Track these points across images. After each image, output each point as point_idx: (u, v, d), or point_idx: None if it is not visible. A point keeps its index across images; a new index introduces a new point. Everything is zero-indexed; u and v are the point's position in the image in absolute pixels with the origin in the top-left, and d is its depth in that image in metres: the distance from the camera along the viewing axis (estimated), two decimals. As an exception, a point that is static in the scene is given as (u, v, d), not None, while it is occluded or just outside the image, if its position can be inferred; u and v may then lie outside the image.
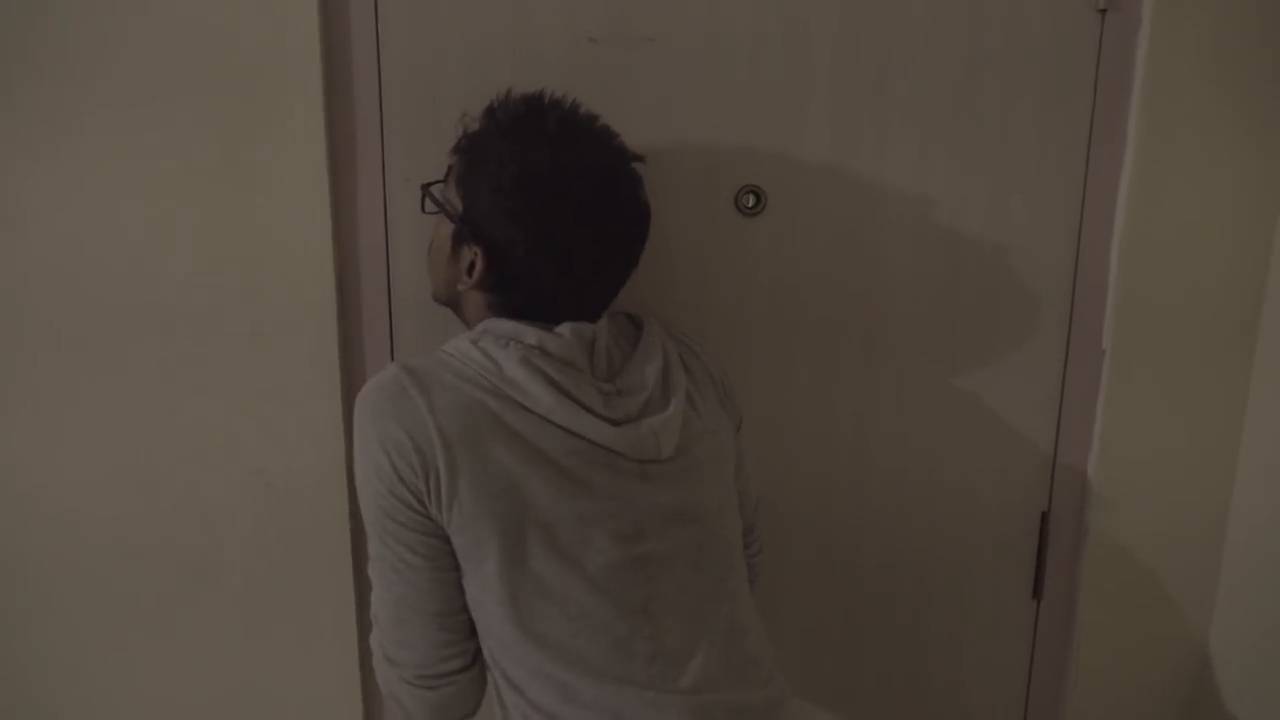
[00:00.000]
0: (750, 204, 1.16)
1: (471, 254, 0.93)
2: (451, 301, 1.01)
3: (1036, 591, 1.28)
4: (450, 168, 0.98)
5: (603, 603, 0.88)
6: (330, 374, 1.16)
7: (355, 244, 1.15)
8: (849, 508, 1.25)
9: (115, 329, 1.15)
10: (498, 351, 0.90)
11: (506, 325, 0.92)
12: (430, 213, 1.01)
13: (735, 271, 1.18)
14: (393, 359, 1.18)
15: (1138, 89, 1.14)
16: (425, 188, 1.00)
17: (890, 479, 1.24)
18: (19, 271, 1.13)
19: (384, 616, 0.91)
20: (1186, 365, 1.23)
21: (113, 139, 1.10)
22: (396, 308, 1.16)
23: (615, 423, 0.91)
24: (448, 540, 0.89)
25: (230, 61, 1.09)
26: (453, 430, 0.86)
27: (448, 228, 0.96)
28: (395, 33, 1.10)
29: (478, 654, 0.93)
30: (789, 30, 1.12)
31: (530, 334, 0.91)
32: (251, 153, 1.11)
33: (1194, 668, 1.32)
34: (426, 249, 1.05)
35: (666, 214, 1.16)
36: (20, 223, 1.12)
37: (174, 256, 1.13)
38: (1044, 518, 1.26)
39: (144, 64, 1.08)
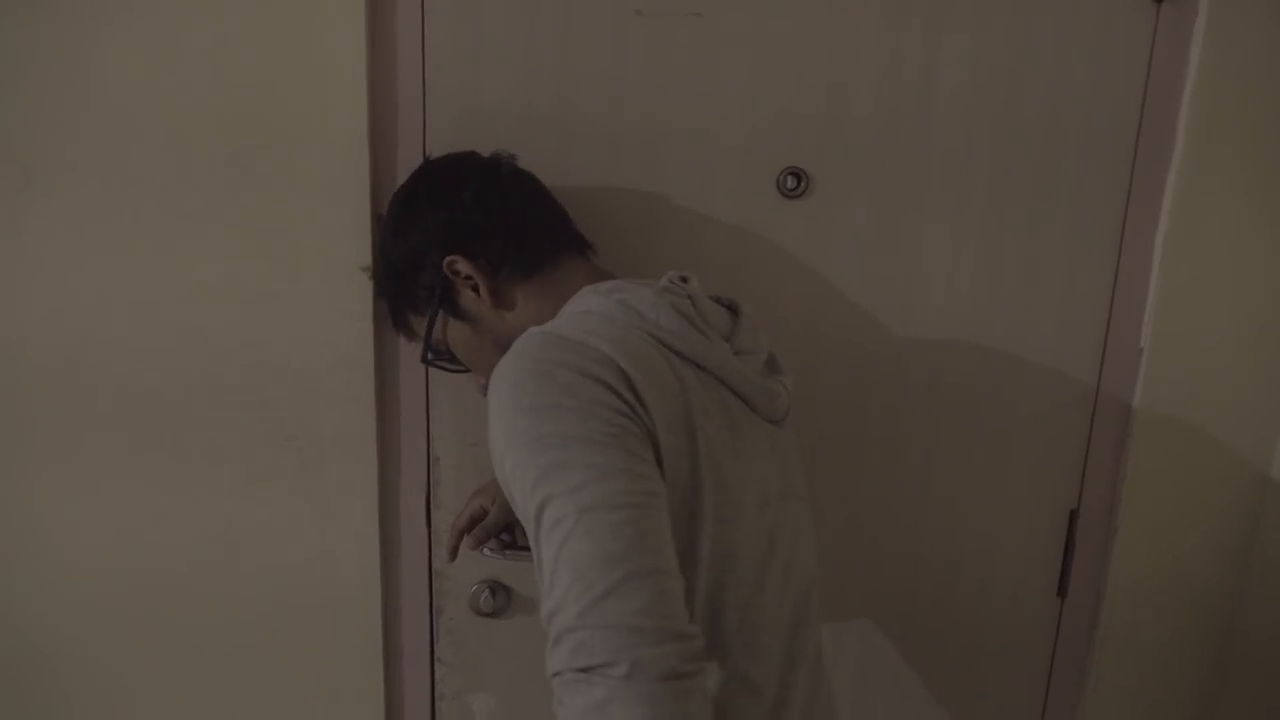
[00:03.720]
0: (792, 186, 1.14)
1: (469, 284, 0.91)
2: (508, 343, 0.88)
3: (1062, 589, 1.27)
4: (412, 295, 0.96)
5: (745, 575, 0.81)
6: (364, 340, 1.16)
7: (394, 171, 1.13)
8: (877, 497, 1.24)
9: (151, 245, 1.15)
10: (635, 300, 0.81)
11: (601, 288, 0.85)
12: (434, 342, 0.96)
13: (772, 255, 1.17)
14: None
15: None
16: (425, 349, 0.97)
17: (919, 470, 1.23)
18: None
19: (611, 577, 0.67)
20: (1224, 367, 1.20)
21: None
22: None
23: (759, 383, 0.87)
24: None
25: None
26: (639, 371, 0.73)
27: (453, 326, 0.94)
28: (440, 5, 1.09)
29: None
30: (836, 10, 1.10)
31: (631, 287, 0.84)
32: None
33: (1216, 672, 1.31)
34: (470, 379, 1.08)
35: (704, 193, 1.15)
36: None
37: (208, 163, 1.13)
38: (1072, 516, 1.25)
39: None
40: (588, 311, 0.82)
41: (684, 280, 0.91)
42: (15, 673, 1.27)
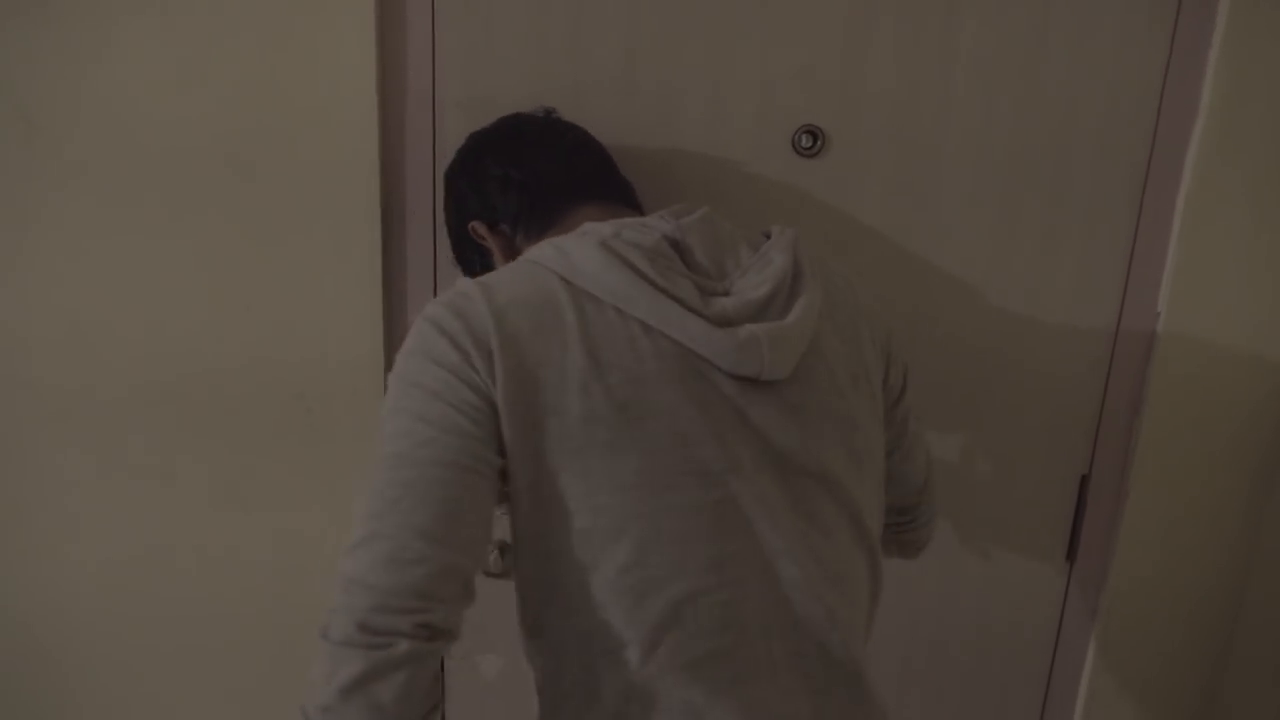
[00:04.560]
0: (808, 145, 1.13)
1: (480, 239, 0.94)
2: None
3: (1071, 554, 1.27)
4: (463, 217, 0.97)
5: (667, 556, 0.73)
6: (373, 291, 1.15)
7: (402, 159, 1.14)
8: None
9: (153, 245, 1.14)
10: (570, 241, 0.79)
11: (579, 227, 0.82)
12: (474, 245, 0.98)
13: (788, 214, 1.15)
14: (435, 283, 1.17)
15: None
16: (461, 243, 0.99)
17: (932, 429, 1.22)
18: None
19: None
20: (1239, 332, 1.20)
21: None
22: (441, 237, 1.14)
23: (711, 323, 0.76)
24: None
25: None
26: (511, 331, 0.73)
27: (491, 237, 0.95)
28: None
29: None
30: (859, -36, 1.08)
31: (605, 225, 0.80)
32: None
33: (1223, 637, 1.31)
34: None
35: (719, 152, 1.13)
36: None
37: (214, 162, 1.12)
38: (1083, 481, 1.25)
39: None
40: (526, 258, 0.81)
41: (685, 214, 0.84)
42: (19, 664, 1.28)
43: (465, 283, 0.78)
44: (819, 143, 1.12)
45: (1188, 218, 1.14)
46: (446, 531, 0.69)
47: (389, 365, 1.16)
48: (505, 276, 0.78)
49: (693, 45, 1.10)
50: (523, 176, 0.92)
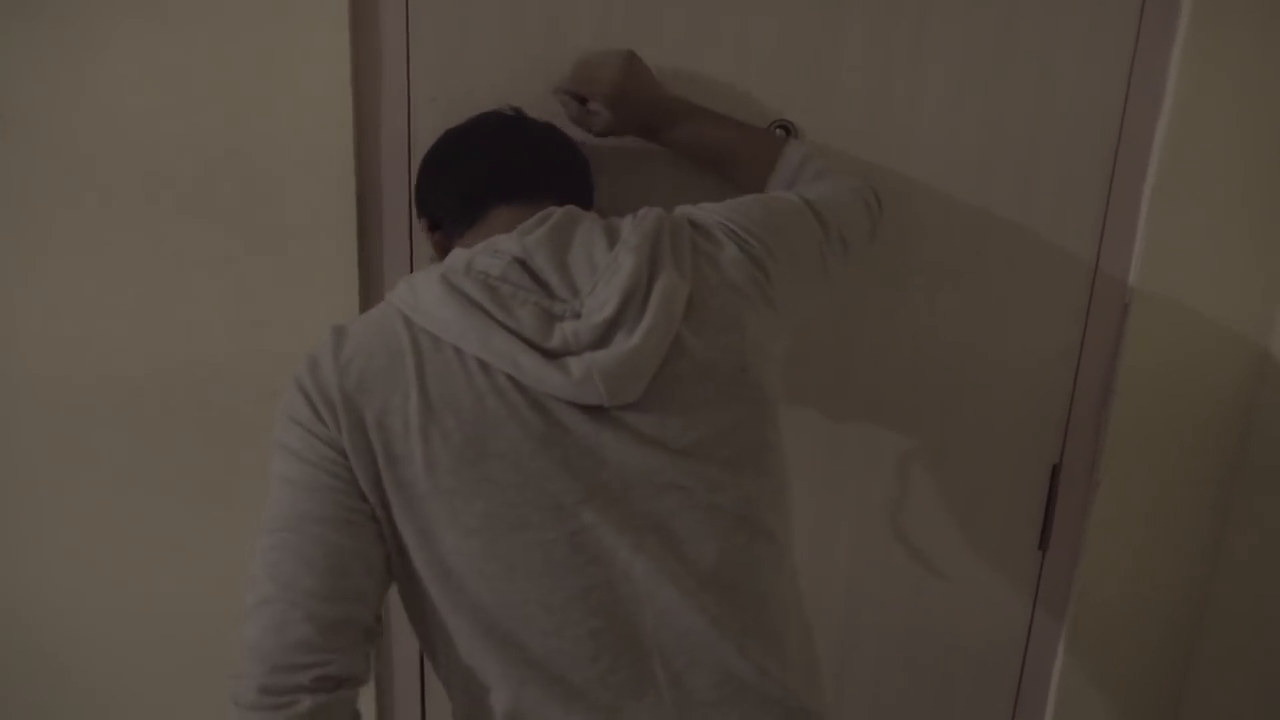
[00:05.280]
0: (781, 139, 1.14)
1: (425, 230, 0.96)
2: None
3: (1043, 543, 1.29)
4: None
5: (527, 592, 0.73)
6: (349, 288, 1.16)
7: (378, 157, 1.15)
8: (862, 444, 1.25)
9: (130, 241, 1.15)
10: (420, 277, 0.78)
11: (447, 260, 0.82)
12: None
13: (760, 207, 1.16)
14: (411, 269, 1.18)
15: None
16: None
17: (905, 420, 1.24)
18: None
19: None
20: (1208, 322, 1.21)
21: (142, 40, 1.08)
22: (417, 232, 1.15)
23: (550, 354, 0.74)
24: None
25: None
26: (353, 383, 0.75)
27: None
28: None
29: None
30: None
31: (465, 252, 0.80)
32: (276, 49, 1.10)
33: (1193, 626, 1.33)
34: None
35: (693, 145, 1.14)
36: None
37: (191, 161, 1.13)
38: (1054, 471, 1.26)
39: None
40: (387, 298, 0.82)
41: (537, 226, 0.80)
42: (16, 663, 1.29)
43: (326, 332, 0.79)
44: (791, 137, 1.14)
45: (1155, 207, 1.16)
46: (331, 586, 0.72)
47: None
48: (359, 323, 0.79)
49: (667, 41, 1.11)
50: (449, 178, 0.93)
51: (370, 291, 1.19)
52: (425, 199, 0.96)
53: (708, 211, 0.89)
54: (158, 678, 1.30)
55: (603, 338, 0.76)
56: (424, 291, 0.76)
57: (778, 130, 1.14)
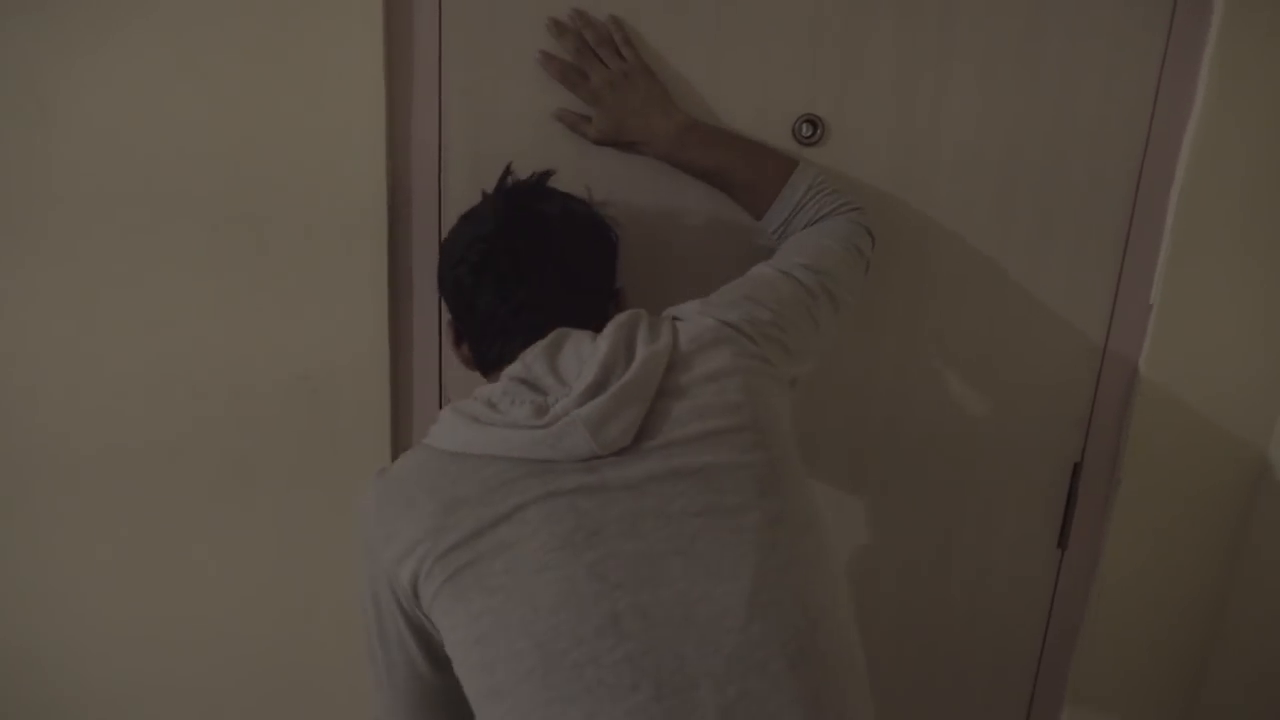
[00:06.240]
0: (808, 134, 1.14)
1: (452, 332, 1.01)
2: None
3: (1062, 541, 1.29)
4: None
5: (557, 626, 0.75)
6: (378, 278, 1.17)
7: (408, 146, 1.15)
8: (884, 440, 1.25)
9: (163, 230, 1.16)
10: (443, 416, 0.87)
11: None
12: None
13: (787, 202, 1.17)
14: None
15: None
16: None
17: (928, 416, 1.24)
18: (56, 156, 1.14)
19: None
20: (1232, 325, 1.21)
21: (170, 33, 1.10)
22: (446, 213, 1.16)
23: (535, 429, 0.80)
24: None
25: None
26: (384, 523, 0.84)
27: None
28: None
29: None
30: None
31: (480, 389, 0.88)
32: (309, 48, 1.10)
33: (1212, 627, 1.33)
34: None
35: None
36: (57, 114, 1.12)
37: (222, 156, 1.13)
38: (1076, 468, 1.27)
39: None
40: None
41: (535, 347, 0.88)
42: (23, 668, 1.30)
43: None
44: (819, 131, 1.14)
45: (1182, 209, 1.16)
46: None
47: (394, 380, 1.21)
48: (403, 465, 0.87)
49: (692, 33, 1.12)
50: (467, 316, 0.96)
51: (399, 286, 1.19)
52: (442, 295, 1.01)
53: (689, 307, 0.93)
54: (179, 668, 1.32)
55: (589, 398, 0.81)
56: (440, 422, 0.86)
57: (806, 125, 1.14)
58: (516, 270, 0.92)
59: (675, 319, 0.91)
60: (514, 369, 0.87)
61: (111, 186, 1.14)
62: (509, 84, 1.13)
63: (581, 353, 0.85)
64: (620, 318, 0.88)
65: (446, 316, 1.02)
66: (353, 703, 1.30)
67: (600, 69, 1.09)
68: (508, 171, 1.01)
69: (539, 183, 1.00)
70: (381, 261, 1.16)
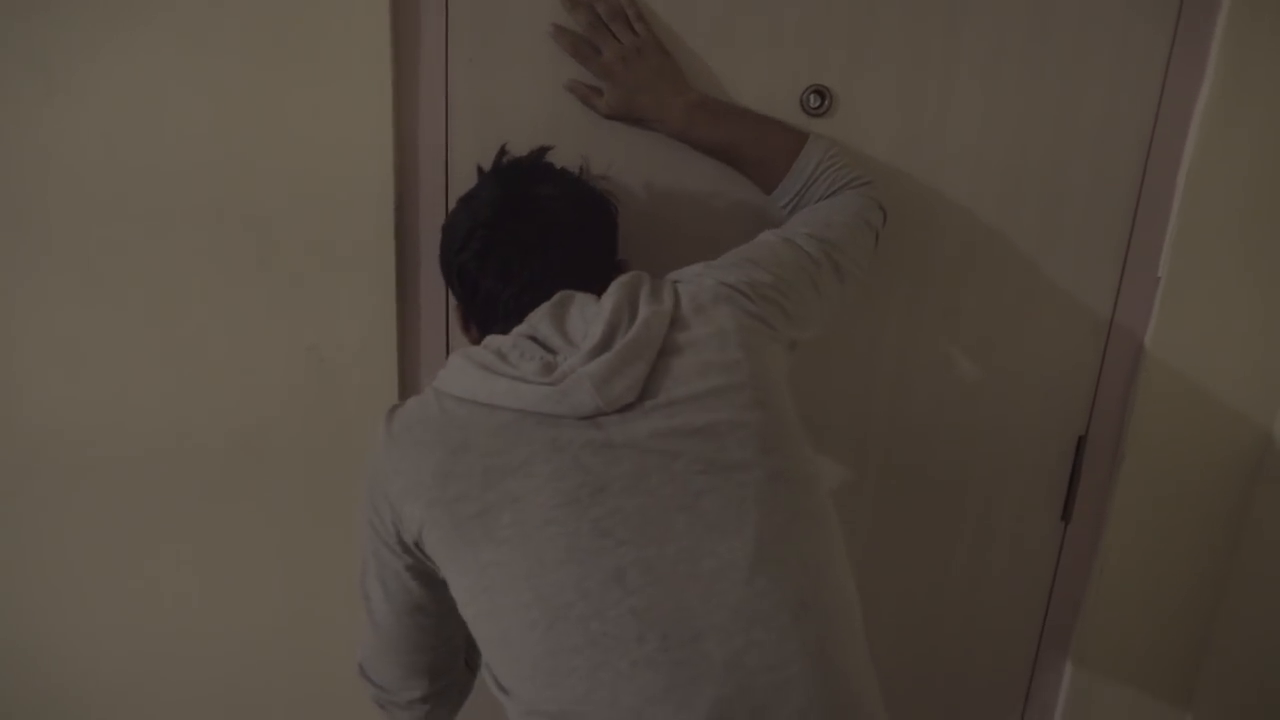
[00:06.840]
0: (815, 104, 1.14)
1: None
2: None
3: (1066, 514, 1.29)
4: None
5: (562, 580, 0.77)
6: (385, 251, 1.17)
7: (415, 121, 1.15)
8: (888, 413, 1.26)
9: (169, 212, 1.16)
10: (450, 358, 0.89)
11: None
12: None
13: (794, 173, 1.16)
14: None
15: None
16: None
17: (934, 389, 1.25)
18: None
19: None
20: (1240, 298, 1.21)
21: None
22: (453, 185, 1.16)
23: (543, 385, 0.82)
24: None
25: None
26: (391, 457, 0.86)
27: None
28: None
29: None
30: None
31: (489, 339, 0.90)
32: (313, 34, 1.10)
33: (1214, 601, 1.34)
34: None
35: (729, 110, 1.14)
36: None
37: (229, 138, 1.13)
38: (1080, 442, 1.27)
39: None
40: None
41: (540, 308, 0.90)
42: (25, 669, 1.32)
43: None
44: (826, 102, 1.14)
45: (1190, 182, 1.15)
46: (425, 663, 0.94)
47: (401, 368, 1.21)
48: (411, 405, 0.89)
49: (701, 7, 1.11)
50: (468, 296, 0.97)
51: (406, 257, 1.19)
52: (447, 281, 1.01)
53: (690, 270, 0.94)
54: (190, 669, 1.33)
55: (595, 355, 0.83)
56: (449, 366, 0.87)
57: (814, 96, 1.14)
58: (519, 254, 0.94)
59: (676, 282, 0.92)
60: (521, 328, 0.89)
61: (117, 180, 1.14)
62: (517, 69, 1.13)
63: (586, 313, 0.87)
64: (623, 278, 0.90)
65: (453, 301, 1.03)
66: (355, 698, 1.31)
67: (613, 43, 1.08)
68: (503, 151, 1.02)
69: (535, 160, 1.01)
70: (388, 251, 1.17)
